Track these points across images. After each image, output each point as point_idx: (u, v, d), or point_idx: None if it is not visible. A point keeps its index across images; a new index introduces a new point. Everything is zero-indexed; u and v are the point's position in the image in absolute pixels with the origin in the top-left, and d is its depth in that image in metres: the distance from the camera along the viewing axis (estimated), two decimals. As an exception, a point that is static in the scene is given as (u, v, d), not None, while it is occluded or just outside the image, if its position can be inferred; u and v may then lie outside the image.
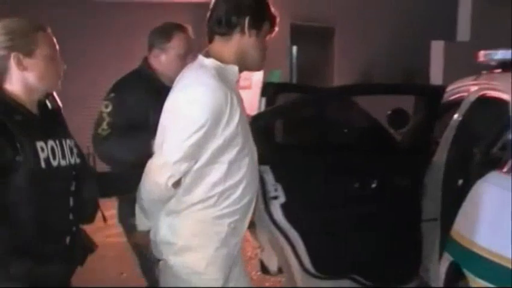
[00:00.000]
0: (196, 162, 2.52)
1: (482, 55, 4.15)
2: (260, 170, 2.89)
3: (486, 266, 2.88)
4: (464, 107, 4.09)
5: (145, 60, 3.61)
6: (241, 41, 2.52)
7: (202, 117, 2.42)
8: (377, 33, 10.45)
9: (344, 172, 4.09)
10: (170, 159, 2.49)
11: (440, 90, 4.36)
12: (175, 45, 3.49)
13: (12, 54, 2.27)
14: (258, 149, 2.74)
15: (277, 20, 2.55)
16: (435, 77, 9.03)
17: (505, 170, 3.12)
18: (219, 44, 2.54)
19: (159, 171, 2.53)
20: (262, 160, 2.80)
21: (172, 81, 2.71)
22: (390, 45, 10.46)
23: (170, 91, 2.63)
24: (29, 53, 2.28)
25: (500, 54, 3.89)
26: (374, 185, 4.11)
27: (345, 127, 4.88)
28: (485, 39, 8.69)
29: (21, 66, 2.28)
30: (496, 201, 3.05)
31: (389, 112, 4.98)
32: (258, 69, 2.70)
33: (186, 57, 3.42)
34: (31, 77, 2.31)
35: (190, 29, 3.56)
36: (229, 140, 2.50)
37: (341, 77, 10.30)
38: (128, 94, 3.44)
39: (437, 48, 9.34)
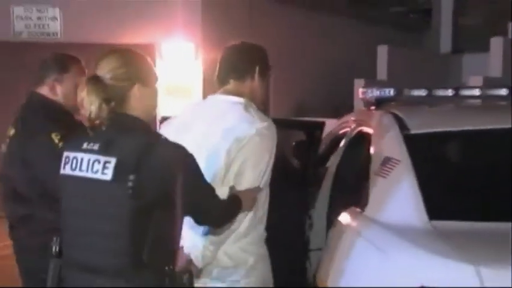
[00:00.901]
0: None
1: (360, 92, 3.80)
2: None
3: None
4: (345, 141, 3.72)
5: (34, 93, 3.06)
6: (252, 83, 2.68)
7: (273, 148, 2.59)
8: (309, 72, 10.51)
9: None
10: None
11: (319, 124, 4.00)
12: (73, 75, 3.02)
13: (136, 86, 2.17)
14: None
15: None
16: (359, 109, 9.09)
17: (359, 205, 2.70)
18: (235, 86, 2.66)
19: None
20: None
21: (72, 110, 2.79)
22: (320, 82, 10.53)
23: (201, 124, 2.59)
24: (147, 83, 2.21)
25: (372, 92, 3.53)
26: None
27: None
28: (398, 79, 9.07)
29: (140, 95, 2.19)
30: (343, 240, 2.63)
31: (294, 143, 4.65)
32: (262, 105, 2.77)
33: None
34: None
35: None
36: None
37: (277, 109, 10.20)
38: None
39: (359, 85, 9.44)
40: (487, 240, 2.03)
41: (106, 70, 2.14)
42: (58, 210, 2.22)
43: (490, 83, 8.65)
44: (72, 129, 2.75)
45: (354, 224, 2.62)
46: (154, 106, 2.26)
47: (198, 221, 2.32)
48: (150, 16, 8.96)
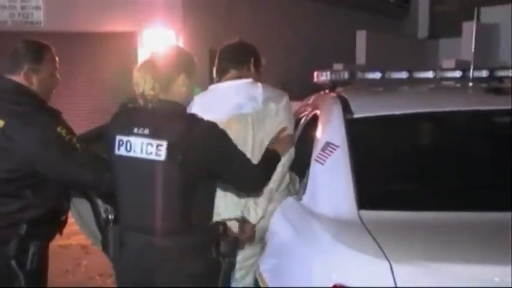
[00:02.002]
0: None
1: (315, 76, 3.53)
2: (92, 194, 2.90)
3: None
4: (301, 125, 3.47)
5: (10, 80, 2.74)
6: (248, 72, 2.96)
7: (291, 107, 2.87)
8: (290, 56, 10.28)
9: None
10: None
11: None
12: (48, 64, 2.76)
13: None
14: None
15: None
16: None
17: (298, 195, 2.45)
18: (235, 73, 2.94)
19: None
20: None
21: (47, 99, 2.72)
22: (301, 66, 10.30)
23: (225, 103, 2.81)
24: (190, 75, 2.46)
25: (328, 76, 3.27)
26: None
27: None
28: (376, 63, 8.84)
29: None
30: (276, 226, 2.38)
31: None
32: None
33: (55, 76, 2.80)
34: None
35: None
36: None
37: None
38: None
39: (329, 70, 9.34)
40: (412, 232, 1.78)
41: (161, 58, 2.40)
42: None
43: (461, 65, 8.41)
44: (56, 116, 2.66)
45: (287, 212, 2.37)
46: (190, 95, 2.58)
47: (241, 187, 2.56)
48: (131, 5, 8.68)
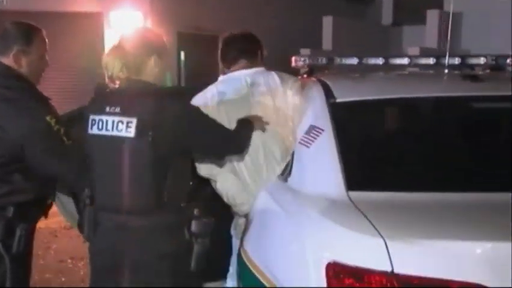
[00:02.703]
0: None
1: (293, 60, 3.57)
2: None
3: (249, 278, 2.23)
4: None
5: None
6: (258, 61, 3.03)
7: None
8: (258, 42, 10.24)
9: None
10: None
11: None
12: (38, 46, 2.72)
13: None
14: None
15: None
16: None
17: (283, 177, 2.49)
18: (246, 64, 2.96)
19: None
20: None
21: (36, 82, 2.71)
22: (267, 51, 10.30)
23: (253, 88, 2.83)
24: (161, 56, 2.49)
25: (304, 60, 3.32)
26: None
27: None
28: (342, 49, 8.94)
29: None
30: (263, 208, 2.42)
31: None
32: None
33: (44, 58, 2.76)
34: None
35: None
36: None
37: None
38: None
39: (306, 55, 9.38)
40: (403, 212, 1.85)
41: (129, 42, 2.43)
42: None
43: (425, 52, 8.60)
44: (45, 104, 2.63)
45: (274, 193, 2.41)
46: (164, 75, 2.56)
47: (220, 155, 2.64)
48: (98, -16, 8.52)
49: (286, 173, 2.48)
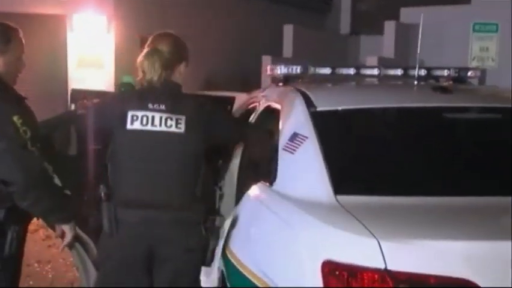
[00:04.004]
0: None
1: (269, 69, 3.69)
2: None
3: (239, 279, 2.33)
4: (254, 116, 3.61)
5: None
6: None
7: None
8: (219, 48, 10.36)
9: None
10: None
11: (229, 99, 3.88)
12: (16, 46, 2.71)
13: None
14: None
15: None
16: (265, 85, 9.15)
17: (268, 180, 2.60)
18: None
19: None
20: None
21: (12, 82, 2.71)
22: (229, 58, 10.42)
23: None
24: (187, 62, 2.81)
25: (280, 69, 3.44)
26: None
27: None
28: (302, 57, 9.13)
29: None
30: (251, 212, 2.53)
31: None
32: None
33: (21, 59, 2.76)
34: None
35: None
36: None
37: (189, 83, 9.99)
38: None
39: (266, 61, 9.63)
40: (391, 214, 1.99)
41: (165, 47, 2.64)
42: None
43: (384, 62, 8.88)
44: (21, 103, 2.64)
45: (263, 198, 2.52)
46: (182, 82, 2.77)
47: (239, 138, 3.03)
48: (61, -13, 8.42)
49: (271, 177, 2.59)
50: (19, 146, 2.49)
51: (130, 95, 2.74)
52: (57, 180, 2.73)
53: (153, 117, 2.54)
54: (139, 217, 2.49)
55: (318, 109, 2.66)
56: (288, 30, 10.46)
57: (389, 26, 9.89)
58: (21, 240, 2.68)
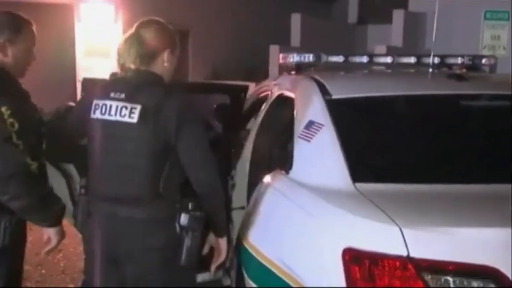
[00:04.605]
0: None
1: (281, 57, 3.68)
2: (67, 169, 2.91)
3: (257, 269, 2.34)
4: (266, 104, 3.60)
5: None
6: None
7: None
8: (226, 38, 10.34)
9: None
10: None
11: (243, 88, 3.85)
12: (26, 37, 2.66)
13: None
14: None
15: None
16: (273, 75, 9.12)
17: (284, 168, 2.60)
18: None
19: None
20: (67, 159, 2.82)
21: (20, 74, 2.65)
22: (236, 48, 10.40)
23: None
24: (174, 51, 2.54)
25: (293, 58, 3.43)
26: None
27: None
28: (310, 46, 9.08)
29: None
30: (268, 201, 2.53)
31: (214, 106, 4.47)
32: None
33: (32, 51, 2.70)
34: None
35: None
36: None
37: (196, 73, 10.06)
38: None
39: (274, 51, 9.54)
40: (411, 202, 1.98)
41: (147, 33, 2.44)
42: None
43: (393, 51, 8.84)
44: (18, 97, 2.55)
45: (279, 186, 2.51)
46: (173, 70, 2.56)
47: (189, 173, 2.41)
48: (68, -24, 8.41)
49: (286, 165, 2.59)
50: (2, 137, 2.40)
51: (103, 83, 2.54)
52: (47, 181, 2.63)
53: (110, 106, 2.37)
54: (104, 211, 2.39)
55: (334, 97, 2.65)
56: (296, 20, 10.42)
57: (398, 15, 9.84)
58: (18, 231, 2.56)
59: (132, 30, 2.48)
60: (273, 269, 2.18)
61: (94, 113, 2.40)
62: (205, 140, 2.41)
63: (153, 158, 2.33)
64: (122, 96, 2.37)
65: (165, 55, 2.46)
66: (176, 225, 2.34)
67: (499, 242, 1.72)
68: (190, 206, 2.36)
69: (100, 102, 2.40)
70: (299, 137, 2.57)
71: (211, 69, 10.00)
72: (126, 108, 2.34)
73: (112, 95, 2.39)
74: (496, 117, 2.53)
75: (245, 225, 2.61)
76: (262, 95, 3.91)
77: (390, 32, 10.10)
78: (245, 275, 2.50)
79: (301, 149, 2.51)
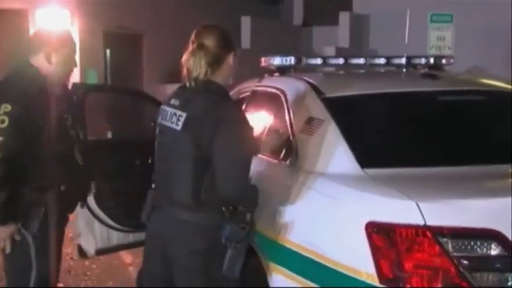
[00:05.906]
0: None
1: (264, 61, 3.96)
2: None
3: (280, 251, 2.57)
4: (247, 104, 3.87)
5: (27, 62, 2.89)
6: None
7: None
8: (179, 41, 10.39)
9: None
10: None
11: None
12: (70, 46, 2.95)
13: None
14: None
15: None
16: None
17: (287, 161, 2.91)
18: None
19: None
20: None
21: (58, 84, 2.86)
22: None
23: None
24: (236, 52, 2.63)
25: (277, 61, 3.73)
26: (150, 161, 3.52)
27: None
28: (260, 48, 9.41)
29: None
30: (279, 190, 2.79)
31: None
32: None
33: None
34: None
35: None
36: None
37: (150, 77, 10.16)
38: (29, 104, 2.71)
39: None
40: (417, 181, 2.34)
41: (210, 39, 2.47)
42: None
43: (340, 52, 9.31)
44: (38, 103, 2.71)
45: (288, 176, 2.79)
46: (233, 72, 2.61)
47: (216, 182, 2.39)
48: (22, -19, 8.38)
49: (290, 159, 2.88)
50: None
51: (173, 90, 2.64)
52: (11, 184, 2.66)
53: (167, 112, 2.52)
54: (158, 208, 2.59)
55: (327, 95, 2.98)
56: (246, 22, 10.74)
57: (344, 17, 10.34)
58: (48, 220, 2.78)
59: (194, 42, 2.50)
60: (300, 251, 2.45)
61: (159, 117, 2.60)
62: (238, 148, 2.39)
63: (194, 165, 2.39)
64: (177, 103, 2.49)
65: (231, 58, 2.54)
66: (222, 234, 2.40)
67: (501, 209, 2.09)
68: (236, 218, 2.41)
69: (164, 108, 2.58)
70: (301, 132, 2.89)
71: (166, 73, 10.15)
72: (175, 115, 2.46)
73: (172, 101, 2.53)
74: (472, 108, 2.96)
75: (267, 220, 2.68)
76: (242, 96, 4.16)
77: (334, 33, 10.61)
78: (265, 260, 2.67)
79: (304, 143, 2.82)
